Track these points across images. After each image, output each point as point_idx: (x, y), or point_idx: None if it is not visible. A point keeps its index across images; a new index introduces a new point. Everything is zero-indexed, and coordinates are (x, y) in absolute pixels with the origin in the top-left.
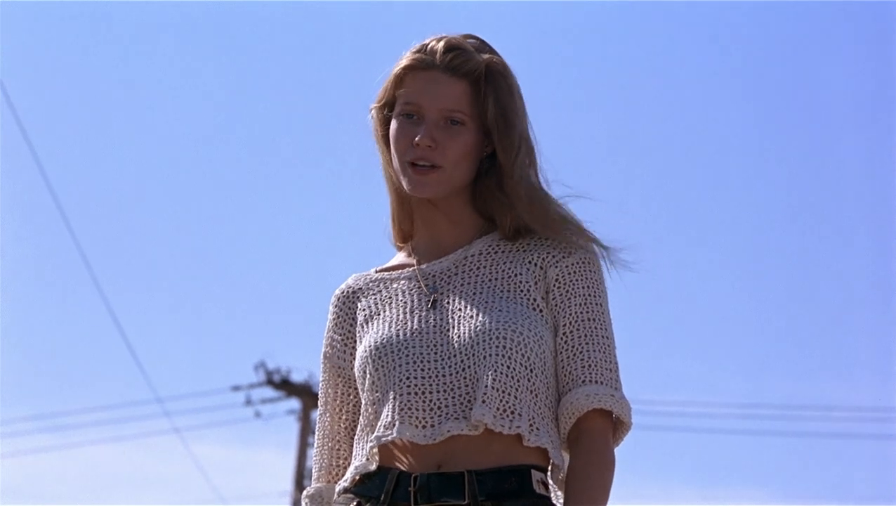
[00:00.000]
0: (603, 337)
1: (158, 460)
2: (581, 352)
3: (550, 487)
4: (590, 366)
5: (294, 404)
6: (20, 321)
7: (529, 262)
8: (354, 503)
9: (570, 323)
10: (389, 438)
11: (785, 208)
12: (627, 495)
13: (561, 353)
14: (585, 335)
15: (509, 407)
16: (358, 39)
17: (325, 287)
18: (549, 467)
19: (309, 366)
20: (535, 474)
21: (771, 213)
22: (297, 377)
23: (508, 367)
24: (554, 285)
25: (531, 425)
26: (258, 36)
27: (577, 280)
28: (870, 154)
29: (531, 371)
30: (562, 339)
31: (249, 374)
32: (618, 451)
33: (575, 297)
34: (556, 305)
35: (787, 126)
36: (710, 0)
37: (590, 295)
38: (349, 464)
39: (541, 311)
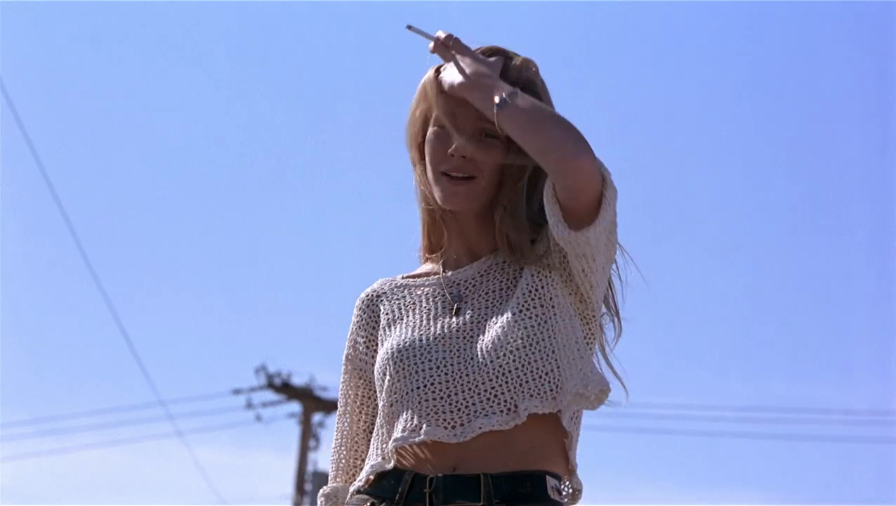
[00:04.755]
0: None
1: (158, 463)
2: None
3: (565, 493)
4: None
5: (295, 407)
6: (19, 324)
7: (548, 266)
8: (368, 504)
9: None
10: (416, 439)
11: (783, 210)
12: (626, 498)
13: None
14: None
15: (549, 391)
16: (374, 46)
17: (326, 291)
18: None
19: (310, 369)
20: (550, 481)
21: (769, 215)
22: (297, 381)
23: (534, 375)
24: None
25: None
26: (269, 37)
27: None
28: (868, 157)
29: (558, 368)
30: None
31: (250, 377)
32: (617, 454)
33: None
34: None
35: (785, 128)
36: (710, 0)
37: None
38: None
39: (562, 309)
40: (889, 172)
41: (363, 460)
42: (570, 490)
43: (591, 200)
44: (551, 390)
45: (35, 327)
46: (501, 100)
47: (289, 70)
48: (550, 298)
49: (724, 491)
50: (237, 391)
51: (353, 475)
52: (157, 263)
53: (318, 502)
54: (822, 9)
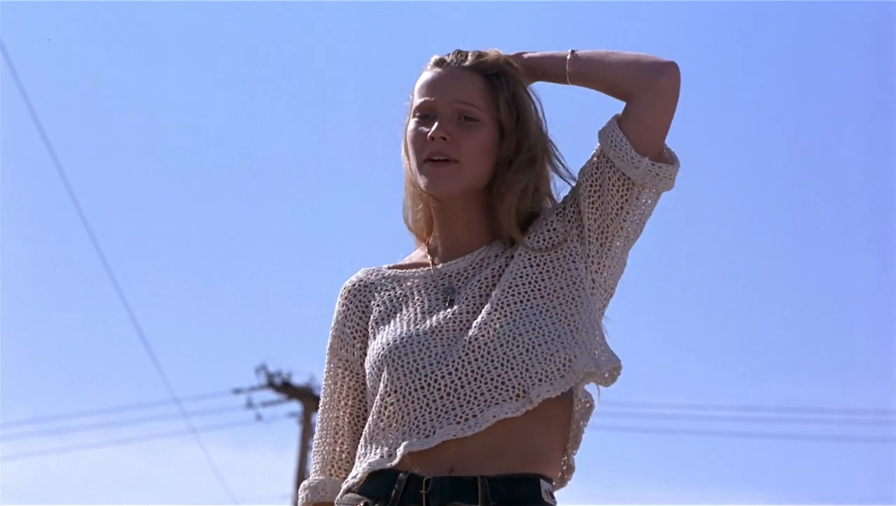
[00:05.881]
0: None
1: (164, 462)
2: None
3: (555, 495)
4: None
5: (295, 406)
6: (19, 322)
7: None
8: (361, 504)
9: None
10: (433, 443)
11: (783, 209)
12: (626, 497)
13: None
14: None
15: (557, 374)
16: (370, 40)
17: (326, 290)
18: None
19: (310, 369)
20: (544, 485)
21: (769, 214)
22: (298, 380)
23: (539, 359)
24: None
25: (568, 372)
26: (277, 30)
27: (563, 202)
28: (868, 157)
29: (563, 349)
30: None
31: (251, 376)
32: (617, 454)
33: (570, 196)
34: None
35: (785, 126)
36: (710, 0)
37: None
38: (350, 458)
39: (569, 290)
40: (889, 172)
41: (348, 453)
42: (565, 467)
43: (665, 125)
44: (558, 371)
45: (35, 325)
46: (570, 51)
47: (290, 72)
48: (556, 283)
49: (724, 491)
50: (237, 391)
51: (339, 468)
52: (157, 262)
53: (302, 496)
54: (822, 9)
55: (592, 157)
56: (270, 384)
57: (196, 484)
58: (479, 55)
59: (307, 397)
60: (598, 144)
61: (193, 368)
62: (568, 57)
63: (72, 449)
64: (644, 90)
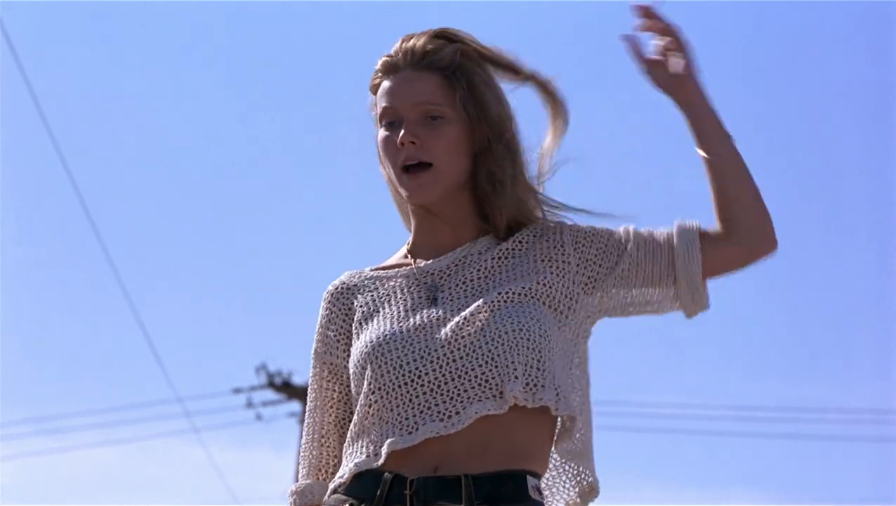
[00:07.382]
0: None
1: (165, 462)
2: (651, 240)
3: (544, 492)
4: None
5: (295, 406)
6: (18, 321)
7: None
8: (347, 505)
9: (624, 246)
10: (416, 440)
11: (782, 207)
12: (624, 497)
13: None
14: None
15: (533, 381)
16: (362, 38)
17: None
18: (560, 428)
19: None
20: (531, 481)
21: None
22: (298, 380)
23: (520, 361)
24: (584, 258)
25: (557, 395)
26: (278, 30)
27: (585, 238)
28: (868, 157)
29: (540, 352)
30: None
31: (251, 376)
32: (615, 453)
33: (599, 240)
34: (604, 261)
35: (784, 124)
36: (710, 0)
37: (599, 232)
38: (337, 461)
39: (541, 298)
40: (889, 172)
41: (335, 457)
42: (590, 479)
43: (724, 275)
44: (527, 385)
45: (35, 324)
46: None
47: (290, 73)
48: (549, 297)
49: (723, 491)
50: (237, 390)
51: (325, 472)
52: (157, 261)
53: (290, 501)
54: (822, 9)
55: (659, 241)
56: (270, 384)
57: (197, 484)
58: (433, 52)
59: (307, 396)
60: (673, 239)
61: (193, 367)
62: (732, 134)
63: (71, 449)
64: (747, 242)
